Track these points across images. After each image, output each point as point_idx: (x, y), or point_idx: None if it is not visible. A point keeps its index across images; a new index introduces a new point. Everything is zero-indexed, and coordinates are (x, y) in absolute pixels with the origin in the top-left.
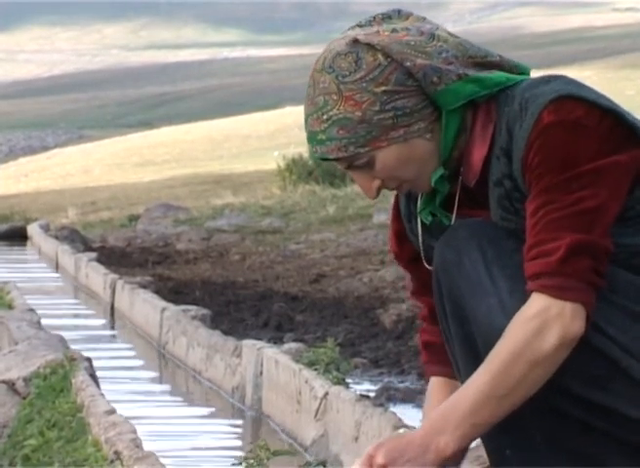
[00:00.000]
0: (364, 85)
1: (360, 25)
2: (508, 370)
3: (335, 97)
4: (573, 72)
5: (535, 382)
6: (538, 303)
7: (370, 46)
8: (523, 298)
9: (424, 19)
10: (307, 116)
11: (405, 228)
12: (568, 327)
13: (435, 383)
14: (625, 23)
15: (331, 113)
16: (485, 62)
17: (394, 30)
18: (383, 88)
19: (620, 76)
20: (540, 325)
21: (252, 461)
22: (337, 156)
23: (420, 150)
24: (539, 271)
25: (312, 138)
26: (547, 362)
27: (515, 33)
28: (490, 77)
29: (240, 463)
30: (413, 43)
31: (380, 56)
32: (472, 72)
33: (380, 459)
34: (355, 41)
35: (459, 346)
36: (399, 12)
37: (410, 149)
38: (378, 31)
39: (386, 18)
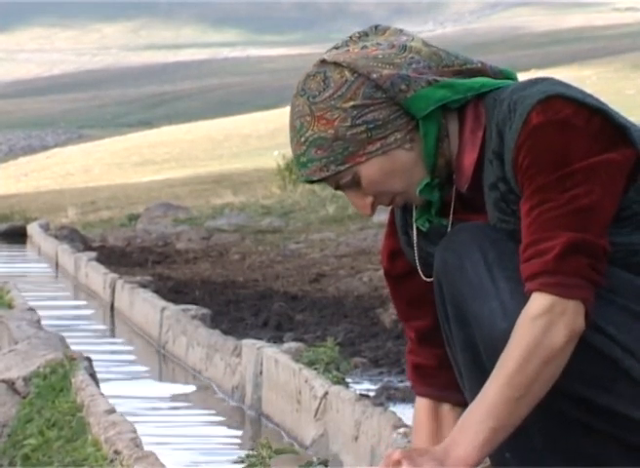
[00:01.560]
0: (333, 102)
1: (336, 47)
2: (522, 370)
3: (308, 119)
4: (573, 72)
5: (548, 380)
6: (540, 302)
7: (336, 64)
8: (524, 300)
9: (401, 31)
10: (290, 141)
11: (399, 246)
12: (573, 323)
13: (423, 410)
14: (625, 23)
15: (307, 135)
16: (464, 70)
17: (364, 47)
18: (352, 103)
19: (620, 76)
20: (546, 323)
21: (254, 460)
22: (319, 177)
23: (401, 161)
24: (536, 271)
25: (297, 162)
26: (559, 358)
27: (515, 33)
28: (462, 82)
29: (242, 461)
30: (381, 56)
31: (346, 72)
32: (445, 79)
33: (396, 455)
34: (323, 61)
35: (460, 350)
36: (376, 27)
37: (391, 161)
38: (348, 50)
39: (363, 35)
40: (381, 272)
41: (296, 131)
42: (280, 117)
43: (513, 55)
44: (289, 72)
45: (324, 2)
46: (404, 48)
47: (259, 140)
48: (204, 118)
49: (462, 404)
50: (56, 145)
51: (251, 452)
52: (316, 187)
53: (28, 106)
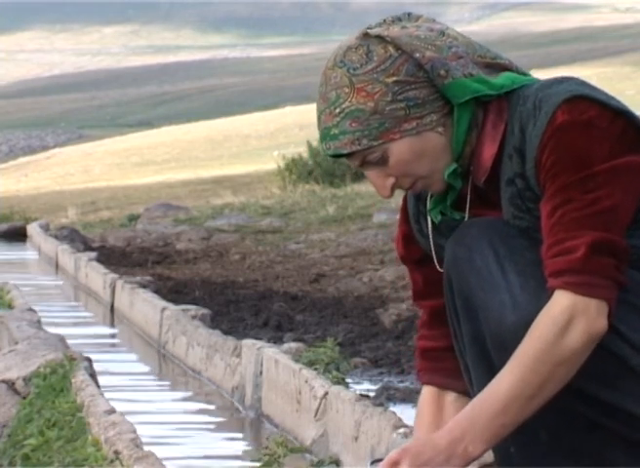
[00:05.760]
0: (375, 76)
1: (370, 28)
2: (537, 368)
3: (347, 90)
4: (573, 72)
5: (561, 380)
6: (563, 301)
7: (380, 38)
8: (534, 294)
9: (434, 20)
10: (320, 113)
11: (412, 231)
12: (593, 323)
13: (427, 397)
14: (625, 23)
15: (343, 106)
16: (494, 64)
17: (404, 27)
18: (395, 78)
19: (621, 76)
20: (566, 322)
21: (269, 458)
22: (350, 150)
23: (432, 144)
24: (562, 268)
25: (325, 134)
26: (574, 359)
27: (515, 33)
28: (495, 80)
29: (259, 460)
30: (423, 36)
31: (390, 47)
32: (478, 72)
33: (394, 455)
34: (365, 34)
35: (468, 344)
36: (409, 14)
37: (423, 142)
38: (388, 28)
39: (397, 20)
40: (381, 272)
41: (329, 102)
42: (280, 117)
43: (513, 55)
44: (289, 72)
45: (324, 2)
46: (442, 33)
47: (258, 141)
48: (204, 118)
49: (467, 392)
50: (56, 145)
51: (265, 450)
52: (316, 187)
53: (28, 106)
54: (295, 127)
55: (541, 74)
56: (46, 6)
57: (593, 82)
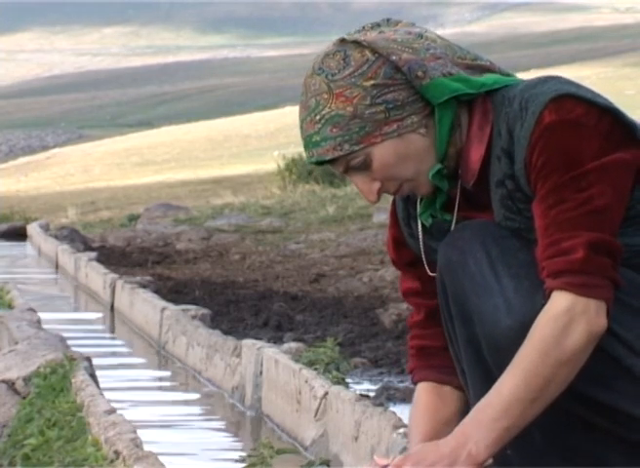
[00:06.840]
0: (353, 80)
1: (348, 34)
2: (539, 371)
3: (325, 97)
4: (572, 72)
5: (563, 382)
6: (562, 301)
7: (357, 43)
8: (528, 296)
9: (413, 24)
10: (302, 122)
11: (403, 234)
12: (593, 323)
13: (424, 389)
14: (625, 23)
15: (323, 112)
16: (474, 65)
17: (381, 32)
18: (373, 82)
19: (620, 76)
20: (567, 323)
21: (255, 459)
22: (332, 156)
23: (415, 146)
24: (561, 269)
25: (308, 142)
26: (575, 360)
27: (515, 33)
28: (476, 79)
29: (243, 460)
30: (400, 39)
31: (367, 52)
32: (458, 71)
33: (398, 461)
34: (342, 41)
35: (463, 348)
36: (388, 20)
37: (405, 145)
38: (365, 34)
39: (376, 26)
40: (381, 272)
41: (310, 109)
42: (280, 117)
43: (513, 55)
44: (289, 72)
45: (324, 2)
46: (420, 36)
47: (258, 141)
48: (204, 118)
49: (463, 389)
50: (56, 145)
51: (252, 452)
52: (316, 187)
53: (28, 106)
54: (295, 127)
55: (541, 74)
56: (46, 6)
57: (593, 82)
